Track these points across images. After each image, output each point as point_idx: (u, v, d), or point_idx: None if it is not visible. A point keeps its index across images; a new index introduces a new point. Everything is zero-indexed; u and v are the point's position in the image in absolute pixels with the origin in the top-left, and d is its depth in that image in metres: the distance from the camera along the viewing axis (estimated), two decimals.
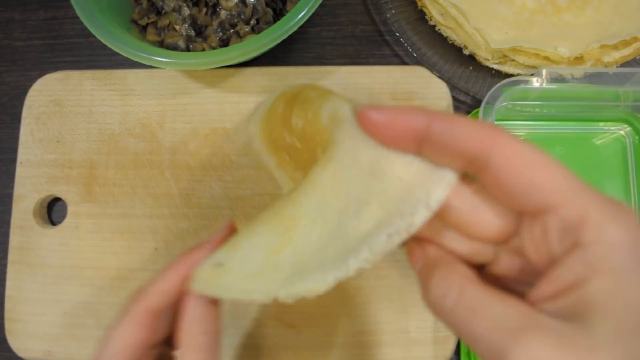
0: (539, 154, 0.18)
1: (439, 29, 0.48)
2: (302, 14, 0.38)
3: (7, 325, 0.43)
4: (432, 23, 0.49)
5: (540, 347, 0.15)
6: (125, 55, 0.38)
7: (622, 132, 0.46)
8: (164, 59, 0.38)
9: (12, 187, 0.45)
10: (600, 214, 0.17)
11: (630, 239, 0.16)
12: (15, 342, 0.43)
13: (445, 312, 0.19)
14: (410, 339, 0.42)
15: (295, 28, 0.38)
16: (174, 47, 0.44)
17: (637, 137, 0.46)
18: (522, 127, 0.47)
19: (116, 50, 0.38)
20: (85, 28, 0.39)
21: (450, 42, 0.48)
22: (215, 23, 0.45)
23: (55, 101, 0.47)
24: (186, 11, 0.45)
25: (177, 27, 0.44)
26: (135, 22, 0.45)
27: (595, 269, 0.16)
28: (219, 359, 0.27)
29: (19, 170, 0.46)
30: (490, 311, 0.17)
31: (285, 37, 0.38)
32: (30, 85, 0.47)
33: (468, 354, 0.42)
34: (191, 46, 0.45)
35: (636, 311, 0.16)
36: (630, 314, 0.16)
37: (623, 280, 0.16)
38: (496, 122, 0.41)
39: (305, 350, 0.42)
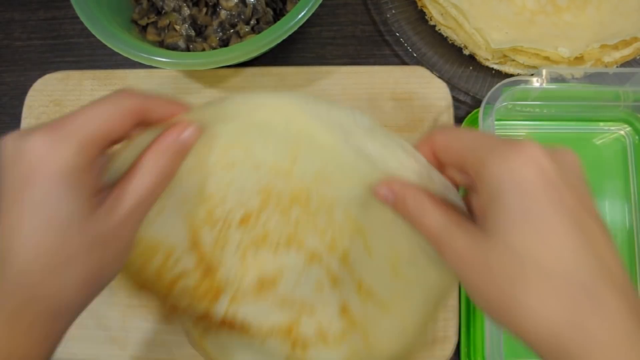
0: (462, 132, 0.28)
1: (439, 29, 0.48)
2: (302, 14, 0.38)
3: None
4: (432, 23, 0.49)
5: (460, 237, 0.25)
6: (125, 55, 0.38)
7: (622, 132, 0.46)
8: (164, 59, 0.38)
9: None
10: (480, 160, 0.25)
11: (511, 173, 0.24)
12: None
13: (408, 209, 0.28)
14: None
15: (295, 28, 0.38)
16: (174, 47, 0.44)
17: (637, 137, 0.46)
18: (522, 127, 0.46)
19: (116, 50, 0.38)
20: (85, 28, 0.39)
21: (450, 42, 0.48)
22: (215, 23, 0.45)
23: (55, 101, 0.47)
24: (186, 11, 0.45)
25: (177, 27, 0.44)
26: (135, 22, 0.45)
27: (489, 199, 0.25)
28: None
29: None
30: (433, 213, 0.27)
31: (285, 37, 0.38)
32: (30, 85, 0.47)
33: (468, 354, 0.42)
34: (191, 46, 0.45)
35: (518, 215, 0.24)
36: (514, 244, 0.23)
37: (505, 203, 0.24)
38: (496, 122, 0.41)
39: None
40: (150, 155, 0.28)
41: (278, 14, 0.46)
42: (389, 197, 0.28)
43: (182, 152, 0.29)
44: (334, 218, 0.31)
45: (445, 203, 0.28)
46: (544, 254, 0.23)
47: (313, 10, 0.38)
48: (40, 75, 0.47)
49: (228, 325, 0.34)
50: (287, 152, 0.30)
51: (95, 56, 0.50)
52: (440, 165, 0.29)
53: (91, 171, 0.26)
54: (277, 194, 0.31)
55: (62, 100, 0.47)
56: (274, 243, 0.32)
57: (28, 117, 0.46)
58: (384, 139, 0.31)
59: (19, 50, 0.51)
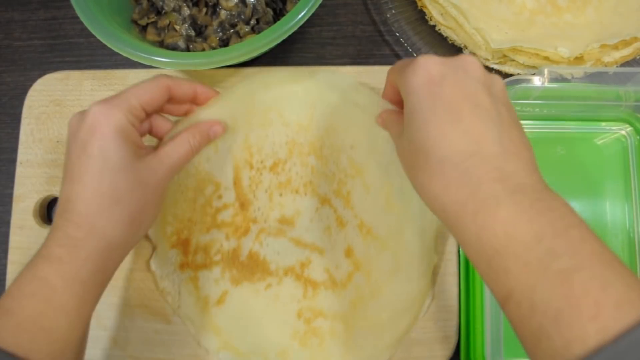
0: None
1: (439, 29, 0.48)
2: (302, 14, 0.38)
3: None
4: (432, 23, 0.49)
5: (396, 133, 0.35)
6: (125, 55, 0.38)
7: (623, 132, 0.46)
8: (164, 59, 0.38)
9: (12, 187, 0.45)
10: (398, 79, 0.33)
11: (406, 82, 0.31)
12: None
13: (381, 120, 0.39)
14: (410, 339, 0.42)
15: (295, 28, 0.38)
16: (174, 47, 0.44)
17: (638, 137, 0.46)
18: (522, 127, 0.46)
19: (116, 50, 0.38)
20: (86, 28, 0.39)
21: (450, 42, 0.48)
22: (215, 23, 0.45)
23: (55, 101, 0.47)
24: (186, 11, 0.45)
25: (177, 27, 0.44)
26: (135, 22, 0.45)
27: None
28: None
29: (19, 170, 0.46)
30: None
31: (285, 37, 0.38)
32: (30, 85, 0.47)
33: (468, 354, 0.41)
34: (191, 46, 0.45)
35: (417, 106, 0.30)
36: (409, 134, 0.31)
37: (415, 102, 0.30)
38: None
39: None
40: (189, 132, 0.38)
41: (278, 14, 0.46)
42: (379, 120, 0.39)
43: (209, 139, 0.39)
44: (340, 163, 0.42)
45: (398, 112, 0.37)
46: (427, 143, 0.29)
47: (313, 10, 0.38)
48: (40, 75, 0.47)
49: (252, 264, 0.41)
50: (306, 112, 0.42)
51: (95, 56, 0.50)
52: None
53: (137, 130, 0.35)
54: (299, 144, 0.42)
55: (62, 100, 0.47)
56: (294, 188, 0.42)
57: (28, 117, 0.46)
58: (365, 91, 0.43)
59: (19, 50, 0.51)
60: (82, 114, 0.34)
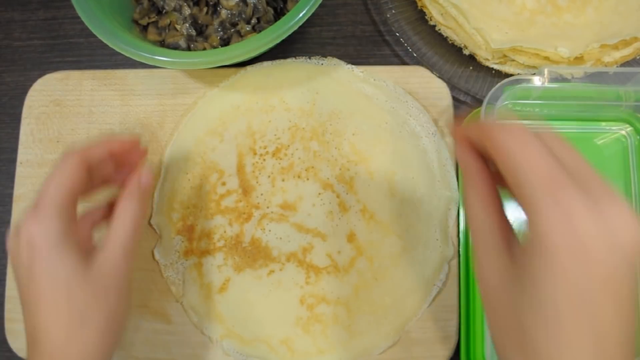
0: None
1: (439, 29, 0.48)
2: (303, 13, 0.38)
3: (7, 325, 0.43)
4: (432, 23, 0.49)
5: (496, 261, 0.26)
6: (127, 55, 0.38)
7: (623, 132, 0.46)
8: (165, 59, 0.38)
9: (12, 187, 0.45)
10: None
11: (563, 238, 0.22)
12: (15, 342, 0.43)
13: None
14: (410, 339, 0.42)
15: (296, 27, 0.38)
16: (174, 47, 0.44)
17: (638, 137, 0.46)
18: None
19: (118, 50, 0.38)
20: (86, 28, 0.39)
21: (450, 42, 0.48)
22: (216, 22, 0.45)
23: (55, 101, 0.47)
24: (187, 11, 0.45)
25: (178, 27, 0.44)
26: (136, 22, 0.45)
27: (535, 243, 0.23)
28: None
29: (19, 170, 0.45)
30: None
31: (285, 36, 0.38)
32: (30, 85, 0.47)
33: (468, 354, 0.41)
34: (192, 45, 0.45)
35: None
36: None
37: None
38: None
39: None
40: (122, 204, 0.34)
41: (279, 13, 0.46)
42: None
43: (146, 193, 0.36)
44: (342, 148, 0.43)
45: (492, 198, 0.27)
46: (560, 349, 0.22)
47: (314, 9, 0.38)
48: (40, 75, 0.47)
49: (254, 250, 0.42)
50: (309, 97, 0.44)
51: (95, 56, 0.50)
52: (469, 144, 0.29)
53: (75, 225, 0.32)
54: (301, 129, 0.43)
55: (62, 100, 0.47)
56: (297, 172, 0.43)
57: (28, 117, 0.46)
58: (375, 82, 0.45)
59: (19, 50, 0.51)
60: (16, 234, 0.31)
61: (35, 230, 0.30)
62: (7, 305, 0.43)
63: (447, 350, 0.42)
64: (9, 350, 0.43)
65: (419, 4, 0.49)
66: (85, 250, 0.32)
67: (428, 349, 0.41)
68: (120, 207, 0.34)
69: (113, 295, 0.32)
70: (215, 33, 0.45)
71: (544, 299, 0.22)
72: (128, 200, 0.34)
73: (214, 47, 0.44)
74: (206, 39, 0.45)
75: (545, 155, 0.24)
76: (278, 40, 0.38)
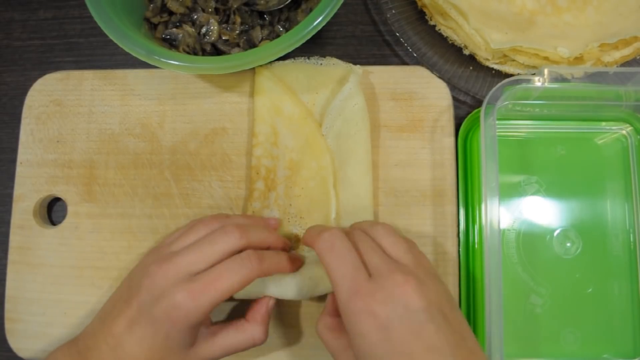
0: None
1: (439, 29, 0.48)
2: (319, 20, 0.39)
3: (7, 325, 0.43)
4: (432, 23, 0.49)
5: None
6: (142, 59, 0.38)
7: (623, 132, 0.46)
8: (177, 62, 0.38)
9: (12, 187, 0.45)
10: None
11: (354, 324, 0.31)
12: (15, 342, 0.43)
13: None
14: None
15: (308, 37, 0.39)
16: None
17: (638, 136, 0.46)
18: (523, 127, 0.46)
19: (131, 52, 0.38)
20: (86, 28, 0.39)
21: (450, 42, 0.48)
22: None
23: (55, 101, 0.47)
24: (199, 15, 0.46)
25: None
26: (147, 19, 0.45)
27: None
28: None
29: (19, 170, 0.46)
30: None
31: (297, 45, 0.39)
32: (30, 85, 0.47)
33: None
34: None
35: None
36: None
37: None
38: (497, 122, 0.41)
39: (305, 350, 0.42)
40: (252, 324, 0.37)
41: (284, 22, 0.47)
42: (319, 327, 0.37)
43: (269, 317, 0.39)
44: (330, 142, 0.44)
45: (339, 326, 0.36)
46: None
47: (329, 19, 0.39)
48: (40, 75, 0.47)
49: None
50: (307, 98, 0.45)
51: (95, 56, 0.50)
52: None
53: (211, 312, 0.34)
54: (305, 133, 0.44)
55: (62, 100, 0.47)
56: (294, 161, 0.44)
57: (28, 117, 0.46)
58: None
59: (19, 50, 0.51)
60: (172, 287, 0.33)
61: (188, 306, 0.32)
62: (7, 305, 0.43)
63: None
64: (9, 350, 0.43)
65: (419, 4, 0.49)
66: (199, 332, 0.35)
67: None
68: (250, 327, 0.37)
69: None
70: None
71: None
72: (257, 327, 0.37)
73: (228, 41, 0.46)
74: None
75: (346, 259, 0.33)
76: (290, 49, 0.39)
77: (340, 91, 0.44)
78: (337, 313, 0.36)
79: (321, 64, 0.46)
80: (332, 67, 0.45)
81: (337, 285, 0.32)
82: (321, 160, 0.43)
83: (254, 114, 0.44)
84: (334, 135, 0.44)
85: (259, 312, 0.38)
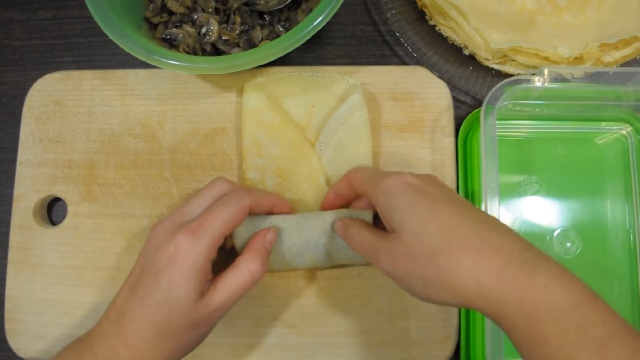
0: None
1: (439, 29, 0.48)
2: (319, 20, 0.38)
3: (7, 325, 0.43)
4: (432, 23, 0.49)
5: (385, 244, 0.33)
6: (142, 59, 0.38)
7: (623, 132, 0.46)
8: (177, 62, 0.38)
9: (12, 187, 0.45)
10: (371, 187, 0.35)
11: (384, 189, 0.33)
12: (15, 342, 0.43)
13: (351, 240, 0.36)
14: (410, 339, 0.42)
15: (307, 38, 0.38)
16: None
17: (638, 136, 0.46)
18: (523, 127, 0.46)
19: (133, 54, 0.38)
20: (86, 28, 0.39)
21: (450, 42, 0.48)
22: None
23: (55, 101, 0.47)
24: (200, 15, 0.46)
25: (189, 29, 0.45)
26: (147, 19, 0.45)
27: (383, 211, 0.33)
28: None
29: (19, 170, 0.46)
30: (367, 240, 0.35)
31: (297, 46, 0.38)
32: (30, 85, 0.47)
33: (468, 354, 0.41)
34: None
35: (416, 227, 0.31)
36: (412, 229, 0.31)
37: (403, 214, 0.32)
38: (497, 122, 0.41)
39: (305, 350, 0.42)
40: (247, 256, 0.36)
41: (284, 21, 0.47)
42: (340, 230, 0.37)
43: (267, 252, 0.37)
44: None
45: (369, 226, 0.36)
46: (442, 227, 0.30)
47: (328, 19, 0.39)
48: (40, 75, 0.47)
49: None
50: (304, 111, 0.45)
51: (95, 56, 0.50)
52: (355, 194, 0.39)
53: (212, 257, 0.34)
54: (288, 139, 0.44)
55: (62, 100, 0.47)
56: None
57: (28, 117, 0.46)
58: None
59: (19, 50, 0.51)
60: (170, 235, 0.33)
61: (186, 249, 0.33)
62: (7, 305, 0.43)
63: (447, 351, 0.42)
64: (9, 350, 0.43)
65: (419, 4, 0.49)
66: (203, 284, 0.34)
67: (428, 349, 0.41)
68: (243, 261, 0.35)
69: (200, 333, 0.34)
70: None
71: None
72: (253, 259, 0.36)
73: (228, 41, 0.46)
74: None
75: (366, 168, 0.40)
76: (290, 49, 0.38)
77: (345, 101, 0.44)
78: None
79: (317, 76, 0.46)
80: (329, 80, 0.45)
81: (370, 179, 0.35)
82: (310, 162, 0.43)
83: (242, 133, 0.44)
84: (334, 145, 0.44)
85: (254, 245, 0.37)
